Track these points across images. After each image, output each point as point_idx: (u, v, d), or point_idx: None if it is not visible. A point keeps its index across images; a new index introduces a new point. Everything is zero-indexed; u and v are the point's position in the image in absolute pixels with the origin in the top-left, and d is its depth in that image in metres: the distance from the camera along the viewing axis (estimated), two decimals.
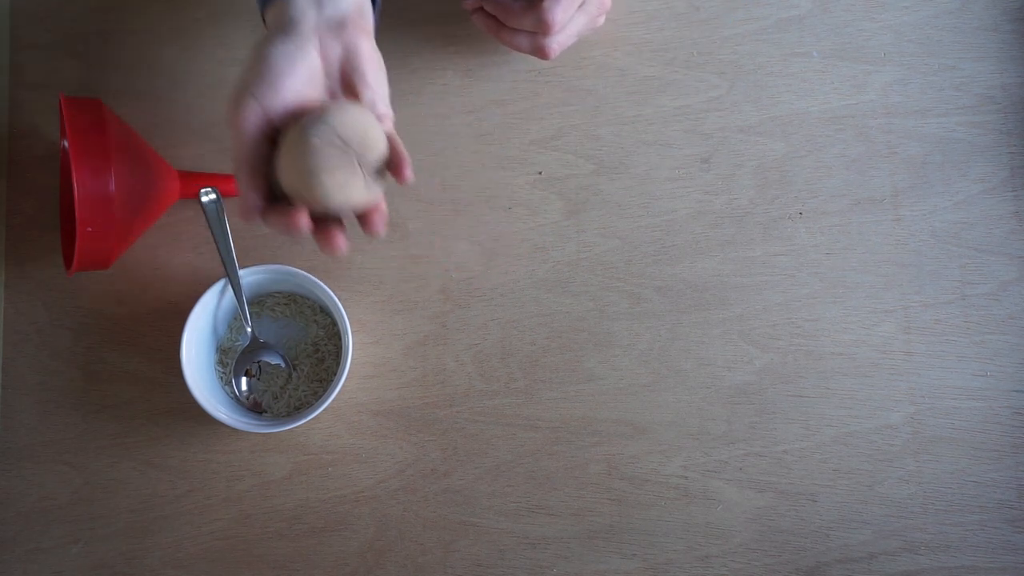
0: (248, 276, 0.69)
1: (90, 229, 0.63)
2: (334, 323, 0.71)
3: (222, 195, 0.69)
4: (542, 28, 0.65)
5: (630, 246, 0.73)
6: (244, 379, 0.71)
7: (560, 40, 0.67)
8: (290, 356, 0.71)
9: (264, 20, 0.59)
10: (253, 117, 0.53)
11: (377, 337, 0.72)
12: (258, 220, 0.54)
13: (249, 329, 0.70)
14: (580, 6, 0.66)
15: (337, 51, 0.55)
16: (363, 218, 0.54)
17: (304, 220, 0.52)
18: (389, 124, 0.56)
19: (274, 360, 0.71)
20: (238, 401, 0.70)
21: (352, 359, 0.68)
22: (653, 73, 0.74)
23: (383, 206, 0.55)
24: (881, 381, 0.70)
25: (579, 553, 0.69)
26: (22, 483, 0.72)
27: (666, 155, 0.73)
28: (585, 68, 0.74)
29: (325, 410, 0.68)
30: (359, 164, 0.51)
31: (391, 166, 0.53)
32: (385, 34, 0.75)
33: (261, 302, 0.72)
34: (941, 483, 0.69)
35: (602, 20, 0.71)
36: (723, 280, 0.72)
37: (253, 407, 0.71)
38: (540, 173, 0.73)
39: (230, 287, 0.68)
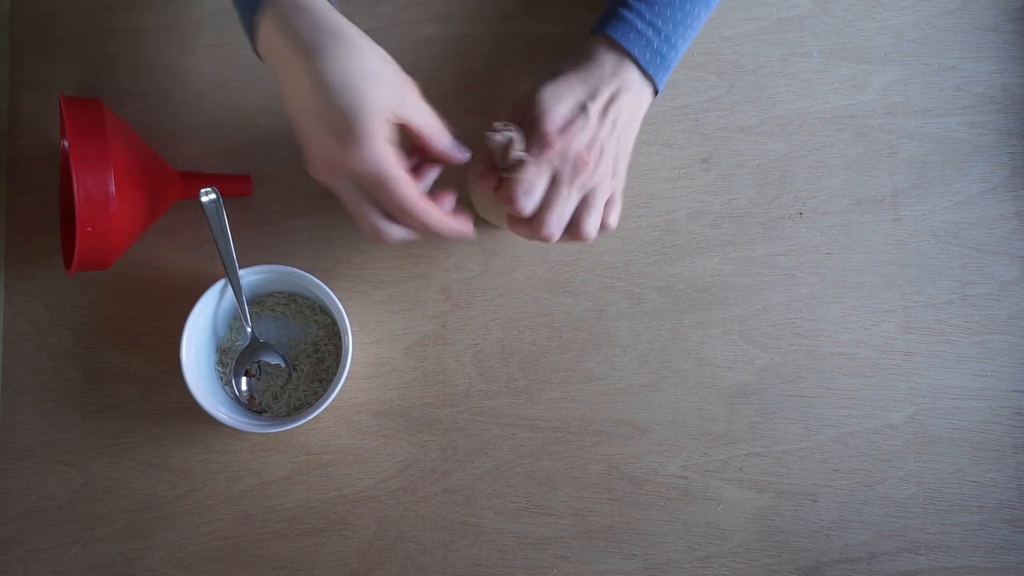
0: (248, 276, 0.69)
1: (90, 229, 0.63)
2: (334, 323, 0.71)
3: (222, 195, 0.69)
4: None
5: (630, 246, 0.73)
6: (244, 379, 0.71)
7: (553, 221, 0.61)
8: (290, 356, 0.71)
9: (256, 46, 0.58)
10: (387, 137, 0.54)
11: (377, 337, 0.72)
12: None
13: (249, 329, 0.70)
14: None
15: None
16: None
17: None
18: None
19: (274, 360, 0.71)
20: (238, 401, 0.70)
21: (352, 359, 0.68)
22: None
23: None
24: (881, 381, 0.70)
25: (579, 553, 0.69)
26: (22, 483, 0.72)
27: (666, 155, 0.73)
28: None
29: (325, 410, 0.68)
30: None
31: None
32: (385, 34, 0.76)
33: (261, 302, 0.72)
34: (941, 483, 0.69)
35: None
36: (723, 280, 0.72)
37: (251, 405, 0.71)
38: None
39: (230, 287, 0.68)
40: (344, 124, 0.52)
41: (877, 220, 0.72)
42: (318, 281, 0.68)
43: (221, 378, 0.71)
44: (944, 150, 0.73)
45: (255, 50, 0.59)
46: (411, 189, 0.55)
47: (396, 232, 0.58)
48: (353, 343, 0.69)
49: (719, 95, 0.74)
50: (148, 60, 0.76)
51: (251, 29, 0.57)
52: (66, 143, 0.73)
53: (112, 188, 0.63)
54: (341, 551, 0.70)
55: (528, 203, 0.60)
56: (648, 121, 0.74)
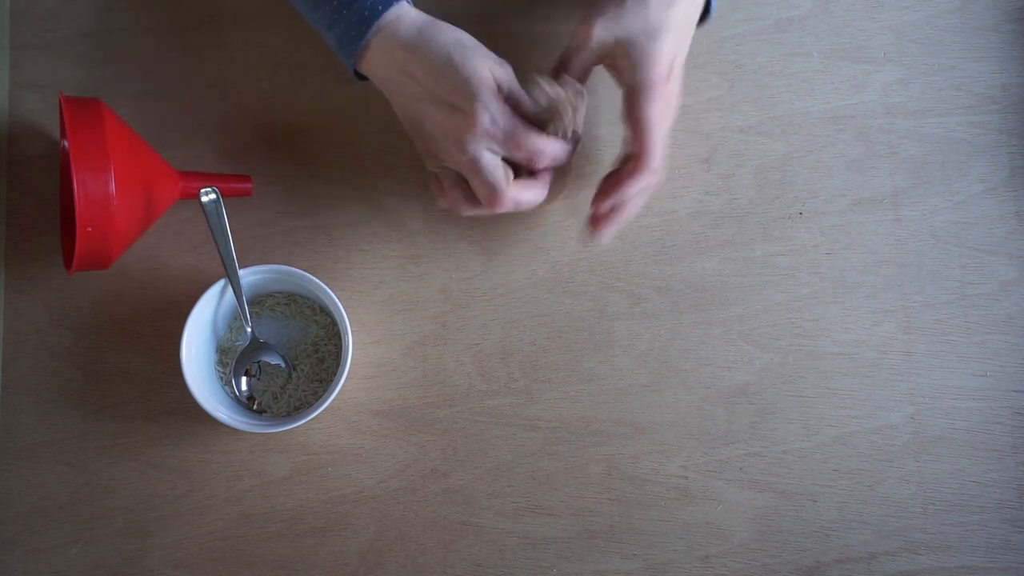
0: (248, 276, 0.69)
1: (90, 229, 0.63)
2: (334, 323, 0.71)
3: (222, 195, 0.69)
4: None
5: (630, 246, 0.73)
6: (244, 379, 0.71)
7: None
8: (290, 356, 0.71)
9: (356, 69, 0.65)
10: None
11: (377, 337, 0.72)
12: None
13: (249, 329, 0.70)
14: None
15: None
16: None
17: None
18: None
19: (274, 360, 0.71)
20: (238, 401, 0.70)
21: (352, 359, 0.68)
22: None
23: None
24: (881, 381, 0.70)
25: (579, 553, 0.69)
26: (22, 483, 0.72)
27: (666, 155, 0.73)
28: None
29: (325, 410, 0.68)
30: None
31: None
32: None
33: (261, 302, 0.72)
34: (941, 483, 0.69)
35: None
36: (723, 280, 0.72)
37: (251, 405, 0.71)
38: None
39: (230, 287, 0.68)
40: (467, 92, 0.60)
41: (877, 220, 0.72)
42: (318, 281, 0.68)
43: (221, 378, 0.71)
44: (944, 150, 0.73)
45: (356, 74, 0.66)
46: (534, 134, 0.62)
47: (527, 194, 0.64)
48: (353, 343, 0.69)
49: (719, 95, 0.74)
50: (148, 60, 0.76)
51: (355, 54, 0.64)
52: (66, 143, 0.73)
53: (112, 188, 0.63)
54: (341, 551, 0.70)
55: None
56: None
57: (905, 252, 0.72)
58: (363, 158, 0.74)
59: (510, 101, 0.63)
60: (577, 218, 0.73)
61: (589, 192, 0.67)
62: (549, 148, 0.62)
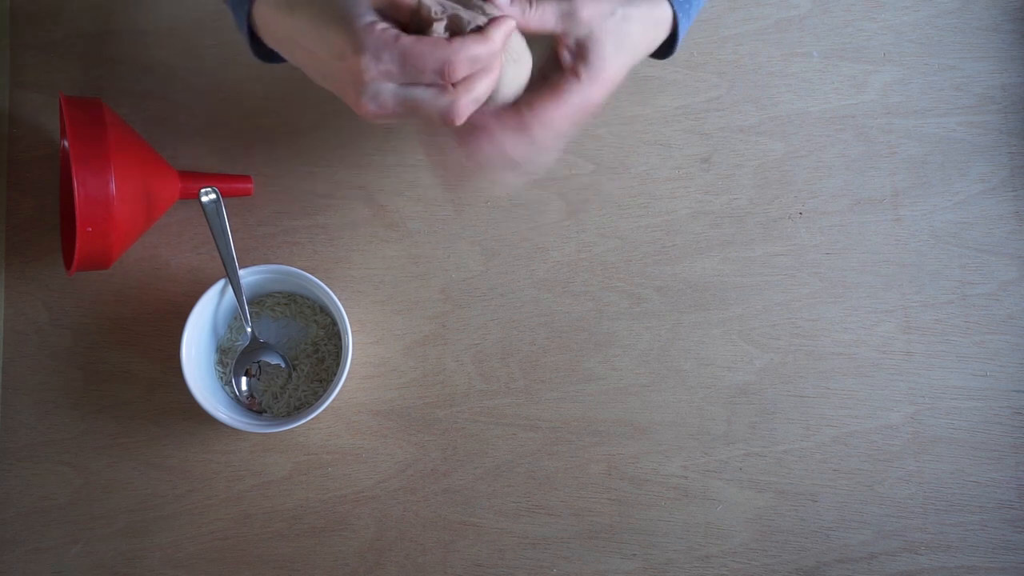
0: (248, 276, 0.69)
1: (90, 229, 0.63)
2: (334, 323, 0.71)
3: (222, 195, 0.69)
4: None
5: (630, 246, 0.73)
6: (244, 379, 0.71)
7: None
8: (290, 356, 0.71)
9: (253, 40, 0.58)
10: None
11: (377, 337, 0.72)
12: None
13: (249, 329, 0.70)
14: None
15: None
16: None
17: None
18: None
19: (274, 360, 0.71)
20: (238, 401, 0.70)
21: (352, 359, 0.68)
22: (653, 73, 0.74)
23: None
24: (881, 381, 0.70)
25: (579, 553, 0.69)
26: (22, 483, 0.72)
27: (666, 155, 0.73)
28: None
29: (325, 410, 0.68)
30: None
31: None
32: None
33: (261, 302, 0.72)
34: (941, 483, 0.69)
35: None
36: (723, 280, 0.72)
37: (251, 405, 0.71)
38: (540, 173, 0.74)
39: (230, 287, 0.68)
40: (348, 41, 0.50)
41: (877, 220, 0.72)
42: (318, 281, 0.68)
43: (221, 378, 0.71)
44: (944, 150, 0.73)
45: (259, 53, 0.59)
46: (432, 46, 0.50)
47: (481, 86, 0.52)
48: (353, 343, 0.69)
49: (719, 95, 0.74)
50: (148, 60, 0.76)
51: (250, 30, 0.58)
52: (66, 143, 0.73)
53: (112, 188, 0.63)
54: (341, 551, 0.70)
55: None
56: (648, 121, 0.74)
57: (905, 252, 0.72)
58: (363, 158, 0.74)
59: (403, 16, 0.51)
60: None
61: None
62: (460, 53, 0.49)
